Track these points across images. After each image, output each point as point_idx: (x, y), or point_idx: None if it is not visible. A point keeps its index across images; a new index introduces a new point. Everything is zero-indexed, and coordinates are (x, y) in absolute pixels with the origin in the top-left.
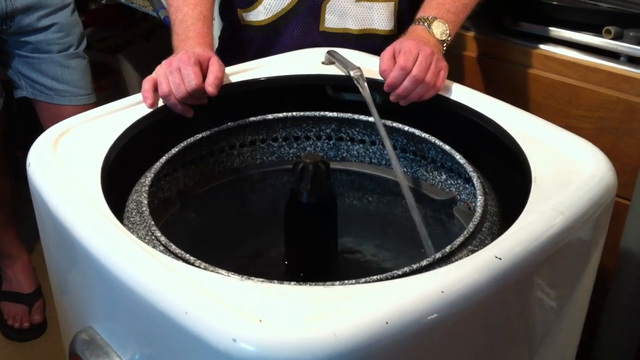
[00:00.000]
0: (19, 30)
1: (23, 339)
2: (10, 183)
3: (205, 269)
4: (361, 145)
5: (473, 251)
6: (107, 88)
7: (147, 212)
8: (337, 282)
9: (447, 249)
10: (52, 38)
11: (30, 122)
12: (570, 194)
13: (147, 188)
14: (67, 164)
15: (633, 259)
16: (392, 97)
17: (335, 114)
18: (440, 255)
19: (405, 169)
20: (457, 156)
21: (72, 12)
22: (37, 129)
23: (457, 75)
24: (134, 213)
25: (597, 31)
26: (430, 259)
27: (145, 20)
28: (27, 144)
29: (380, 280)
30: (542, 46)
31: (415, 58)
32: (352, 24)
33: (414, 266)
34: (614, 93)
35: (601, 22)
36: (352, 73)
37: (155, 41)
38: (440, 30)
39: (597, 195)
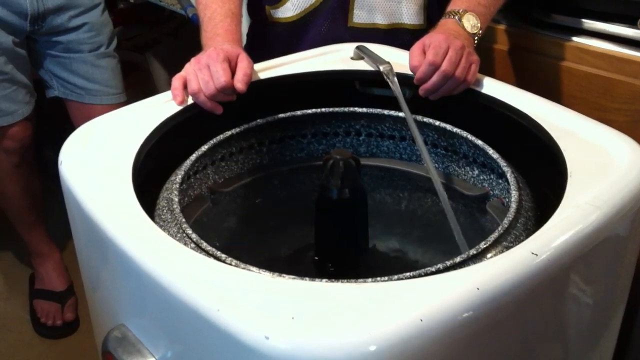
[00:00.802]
0: (51, 30)
1: (56, 336)
2: (40, 182)
3: (236, 266)
4: (391, 141)
5: (508, 247)
6: (135, 86)
7: (178, 210)
8: (370, 279)
9: (482, 245)
10: (83, 38)
11: (59, 121)
12: (607, 188)
13: (177, 185)
14: (98, 161)
15: None
16: (421, 92)
17: (364, 110)
18: (474, 252)
19: (436, 165)
20: (490, 151)
21: (102, 12)
22: (66, 128)
23: (488, 68)
24: (165, 211)
25: (630, 22)
26: (464, 256)
27: (173, 18)
28: (56, 143)
29: (414, 277)
30: (574, 38)
31: (445, 52)
32: (381, 19)
33: (448, 263)
34: None
35: (635, 13)
36: (381, 68)
37: (182, 39)
38: (471, 23)
39: (635, 189)
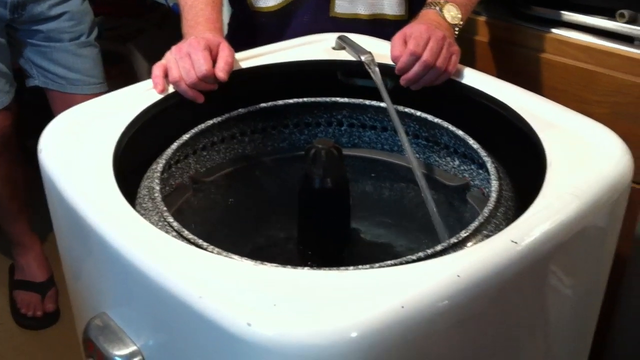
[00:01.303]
0: (31, 18)
1: (36, 327)
2: (22, 172)
3: (218, 254)
4: (373, 132)
5: (488, 236)
6: (118, 77)
7: (159, 198)
8: (351, 267)
9: (462, 234)
10: (63, 26)
11: (40, 111)
12: (586, 178)
13: (158, 174)
14: (78, 149)
15: None
16: (402, 82)
17: (346, 100)
18: (455, 240)
19: (417, 155)
20: (471, 141)
21: (82, 1)
22: (48, 118)
23: (469, 60)
24: (146, 199)
25: (610, 15)
26: (445, 244)
27: (156, 8)
28: (38, 133)
29: (395, 265)
30: (555, 30)
31: (426, 42)
32: (363, 9)
33: (429, 251)
34: (629, 77)
35: (615, 5)
36: (363, 58)
37: (165, 29)
38: (452, 14)
39: (614, 179)
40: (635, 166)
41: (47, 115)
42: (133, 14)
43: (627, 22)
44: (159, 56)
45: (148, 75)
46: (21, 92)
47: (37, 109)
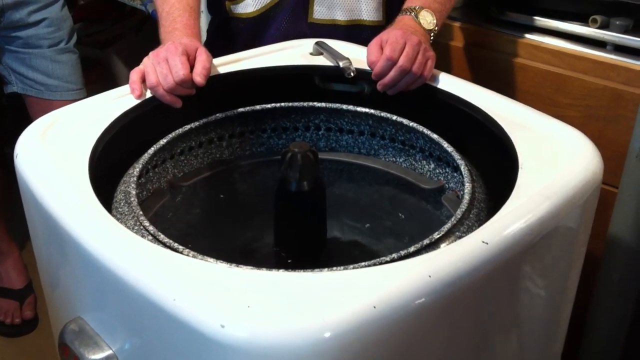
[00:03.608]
0: (9, 25)
1: (14, 334)
2: (0, 179)
3: (193, 257)
4: (350, 136)
5: (460, 237)
6: (96, 82)
7: (135, 202)
8: (326, 269)
9: (435, 235)
10: (42, 33)
11: (19, 117)
12: (556, 179)
13: (135, 179)
14: (55, 155)
15: (620, 246)
16: (379, 87)
17: (323, 105)
18: (427, 242)
19: (394, 159)
20: (445, 144)
21: (62, 7)
22: (26, 124)
23: (444, 65)
24: (122, 204)
25: (583, 20)
26: (417, 245)
27: (134, 14)
28: (16, 140)
29: (369, 266)
30: (528, 35)
31: (402, 48)
32: (341, 15)
33: (402, 252)
34: (601, 81)
35: (587, 11)
36: (341, 64)
37: (144, 35)
38: (427, 19)
39: (584, 180)
40: (605, 167)
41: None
42: (111, 20)
43: (599, 28)
44: (137, 62)
45: (126, 80)
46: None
47: (15, 115)
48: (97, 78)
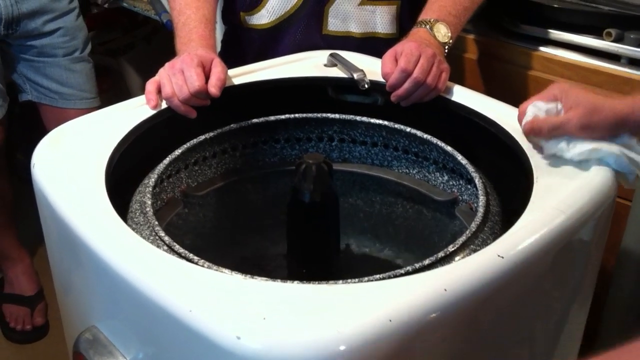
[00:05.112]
0: (25, 34)
1: (25, 341)
2: (10, 185)
3: (209, 268)
4: (363, 147)
5: (475, 250)
6: (109, 91)
7: (150, 212)
8: (340, 281)
9: (450, 248)
10: (57, 42)
11: (30, 125)
12: (571, 193)
13: (150, 189)
14: (71, 164)
15: (633, 260)
16: (393, 98)
17: (337, 116)
18: (442, 255)
19: (407, 170)
20: (459, 157)
21: (77, 17)
22: (38, 132)
23: (458, 77)
24: (137, 213)
25: (597, 33)
26: (432, 258)
27: (147, 23)
28: (27, 147)
29: (383, 279)
30: (542, 48)
31: (416, 60)
32: (355, 28)
33: (417, 265)
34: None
35: (602, 24)
36: (355, 75)
37: (156, 44)
38: (442, 32)
39: (599, 194)
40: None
41: (35, 128)
42: (124, 29)
43: (613, 41)
44: (149, 70)
45: (139, 89)
46: (12, 106)
47: (26, 122)
48: (109, 86)
